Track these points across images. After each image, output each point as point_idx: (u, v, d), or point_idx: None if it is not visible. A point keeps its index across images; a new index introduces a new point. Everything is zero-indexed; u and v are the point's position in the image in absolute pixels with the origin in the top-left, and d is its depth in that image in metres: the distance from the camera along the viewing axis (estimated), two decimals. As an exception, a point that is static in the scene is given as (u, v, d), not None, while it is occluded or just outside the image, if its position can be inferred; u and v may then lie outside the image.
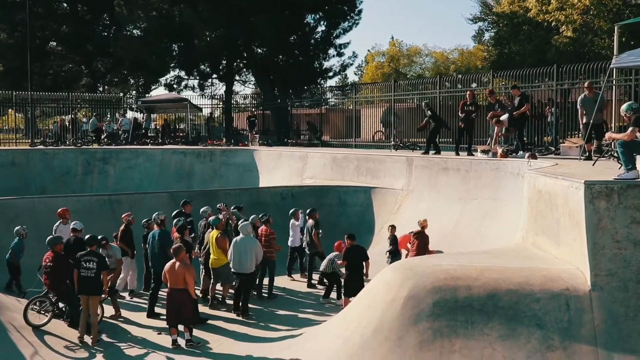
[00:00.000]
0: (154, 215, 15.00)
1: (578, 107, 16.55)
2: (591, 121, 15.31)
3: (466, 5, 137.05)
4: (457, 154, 19.77)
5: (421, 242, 15.05)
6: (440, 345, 8.83)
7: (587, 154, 15.35)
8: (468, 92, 20.28)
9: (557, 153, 18.91)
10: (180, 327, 12.00)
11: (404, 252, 16.24)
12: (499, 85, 24.16)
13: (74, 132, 33.58)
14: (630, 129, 9.53)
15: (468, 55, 65.12)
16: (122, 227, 15.46)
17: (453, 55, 68.00)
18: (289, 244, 17.35)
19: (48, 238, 13.04)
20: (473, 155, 19.26)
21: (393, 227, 16.82)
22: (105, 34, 47.62)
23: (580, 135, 19.77)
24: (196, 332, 12.44)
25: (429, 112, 21.34)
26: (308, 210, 17.24)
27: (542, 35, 35.09)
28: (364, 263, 13.71)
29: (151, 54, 40.27)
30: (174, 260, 12.00)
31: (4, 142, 34.82)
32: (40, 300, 12.76)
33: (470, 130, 19.90)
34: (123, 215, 15.85)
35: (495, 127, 19.15)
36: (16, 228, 15.53)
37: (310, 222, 16.87)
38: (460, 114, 19.66)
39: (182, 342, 11.89)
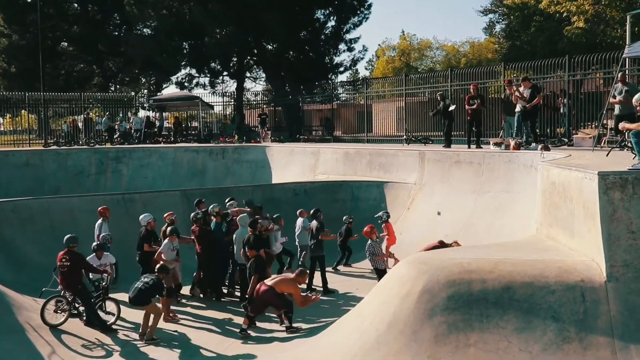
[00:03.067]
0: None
1: None
2: None
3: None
4: (469, 147, 19.72)
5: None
6: (456, 339, 8.81)
7: None
8: (472, 85, 20.21)
9: (570, 144, 18.82)
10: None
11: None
12: (510, 78, 24.04)
13: (87, 132, 33.74)
14: (644, 118, 9.47)
15: (479, 47, 64.96)
16: (163, 228, 15.24)
17: (464, 48, 67.91)
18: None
19: (66, 237, 13.13)
20: (481, 147, 19.19)
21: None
22: (116, 33, 47.90)
23: (594, 126, 19.65)
24: (207, 333, 12.55)
25: (442, 104, 21.18)
26: (312, 211, 16.60)
27: (554, 26, 34.95)
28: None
29: (162, 52, 40.40)
30: (291, 275, 12.66)
31: (18, 143, 35.05)
32: (56, 299, 12.87)
33: (476, 122, 19.90)
34: (165, 215, 15.74)
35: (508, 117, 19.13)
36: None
37: (314, 223, 16.13)
38: (466, 107, 19.70)
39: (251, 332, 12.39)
